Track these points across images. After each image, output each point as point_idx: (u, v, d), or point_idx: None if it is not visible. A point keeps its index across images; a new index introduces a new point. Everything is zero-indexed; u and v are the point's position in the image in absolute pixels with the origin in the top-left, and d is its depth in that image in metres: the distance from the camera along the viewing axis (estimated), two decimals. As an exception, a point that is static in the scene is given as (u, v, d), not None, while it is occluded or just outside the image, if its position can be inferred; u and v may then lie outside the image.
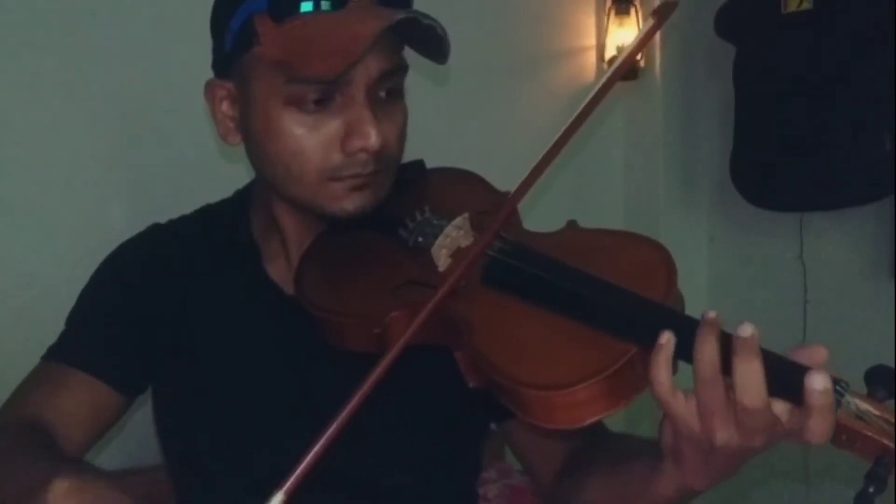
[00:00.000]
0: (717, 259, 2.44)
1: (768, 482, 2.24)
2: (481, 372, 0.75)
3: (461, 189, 0.99)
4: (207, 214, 1.06)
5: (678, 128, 2.37)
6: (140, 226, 1.06)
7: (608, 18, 2.29)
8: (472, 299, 0.79)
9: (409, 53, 0.90)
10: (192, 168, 1.71)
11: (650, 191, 2.38)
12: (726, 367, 0.65)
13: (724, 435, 0.66)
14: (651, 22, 0.86)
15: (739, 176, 2.20)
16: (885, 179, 1.92)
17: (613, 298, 0.72)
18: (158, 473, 1.13)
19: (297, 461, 0.67)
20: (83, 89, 1.66)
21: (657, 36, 2.30)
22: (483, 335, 0.75)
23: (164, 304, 0.98)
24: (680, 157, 2.39)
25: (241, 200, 1.04)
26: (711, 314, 0.67)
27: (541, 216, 1.02)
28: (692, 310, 0.73)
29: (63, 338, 1.00)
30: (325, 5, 0.84)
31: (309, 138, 0.86)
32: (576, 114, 0.81)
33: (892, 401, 0.63)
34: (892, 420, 0.61)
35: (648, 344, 0.68)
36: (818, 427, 0.63)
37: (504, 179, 0.97)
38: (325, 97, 0.85)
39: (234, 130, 0.93)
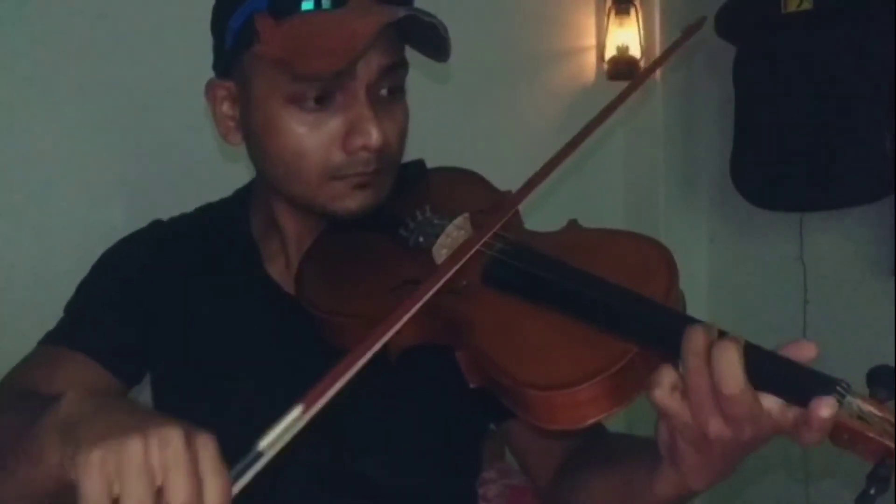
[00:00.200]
0: (717, 259, 2.44)
1: (768, 481, 2.24)
2: (482, 372, 0.75)
3: (462, 189, 0.99)
4: (208, 213, 1.06)
5: (678, 128, 2.37)
6: (139, 226, 1.06)
7: (608, 18, 2.29)
8: (474, 299, 0.79)
9: (410, 53, 0.90)
10: (192, 168, 1.71)
11: (650, 191, 2.38)
12: None
13: (716, 425, 0.66)
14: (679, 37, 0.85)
15: (739, 176, 2.20)
16: (885, 179, 1.92)
17: (615, 298, 0.72)
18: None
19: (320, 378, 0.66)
20: (84, 89, 1.66)
21: (657, 36, 2.30)
22: (484, 335, 0.75)
23: (164, 299, 0.98)
24: (680, 157, 2.39)
25: (241, 199, 1.04)
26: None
27: (541, 216, 1.02)
28: (692, 310, 0.73)
29: (62, 323, 1.00)
30: (325, 3, 0.84)
31: (310, 137, 0.86)
32: (586, 124, 0.81)
33: (894, 401, 0.63)
34: (894, 421, 0.60)
35: (649, 344, 0.68)
36: (813, 438, 0.63)
37: (504, 179, 0.97)
38: (325, 95, 0.85)
39: (234, 130, 0.93)
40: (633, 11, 2.28)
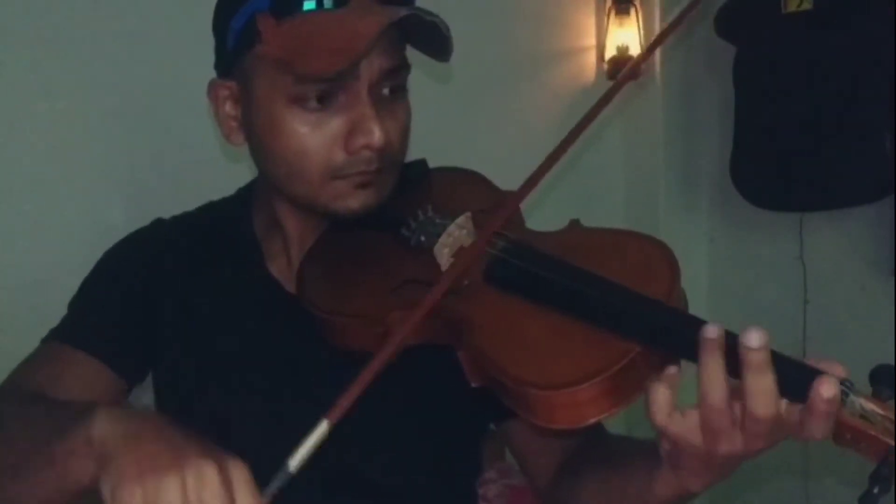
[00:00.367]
0: (717, 259, 2.44)
1: (768, 480, 2.24)
2: (484, 371, 0.75)
3: (464, 188, 0.99)
4: (210, 212, 1.06)
5: (678, 128, 2.37)
6: (140, 225, 1.06)
7: (608, 18, 2.29)
8: (475, 298, 0.79)
9: (410, 53, 0.90)
10: (192, 168, 1.71)
11: (650, 191, 2.38)
12: (731, 369, 0.64)
13: (728, 445, 0.66)
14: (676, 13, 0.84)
15: (739, 176, 2.20)
16: (885, 179, 1.92)
17: (616, 297, 0.72)
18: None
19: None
20: (84, 89, 1.66)
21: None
22: (486, 334, 0.75)
23: (166, 297, 0.98)
24: (680, 157, 2.39)
25: (243, 198, 1.05)
26: (712, 333, 0.64)
27: (541, 215, 1.02)
28: (692, 310, 0.73)
29: (65, 321, 1.00)
30: (327, 3, 0.84)
31: (312, 136, 0.86)
32: (584, 114, 0.81)
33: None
34: (896, 420, 0.60)
35: (651, 343, 0.68)
36: (818, 428, 0.62)
37: (504, 178, 0.97)
38: (327, 95, 0.85)
39: (237, 130, 0.93)
40: (633, 11, 2.28)
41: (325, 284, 0.89)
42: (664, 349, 0.69)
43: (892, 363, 0.64)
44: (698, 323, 0.68)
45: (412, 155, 0.97)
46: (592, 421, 0.69)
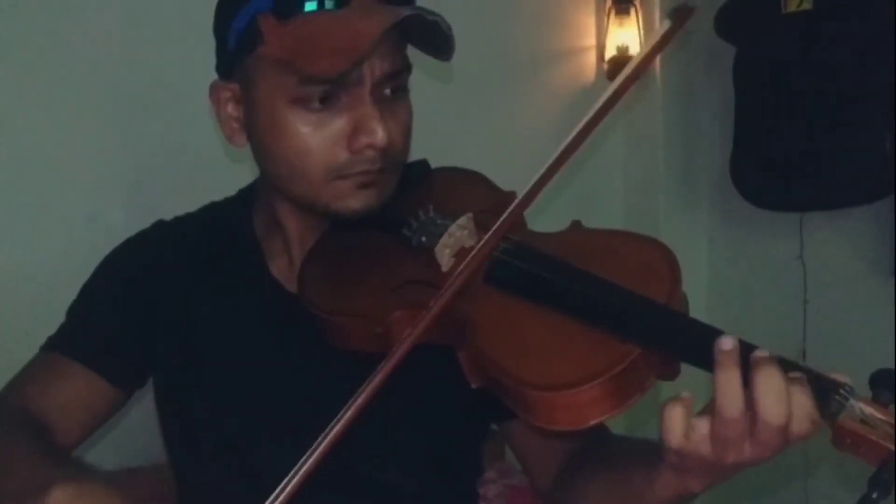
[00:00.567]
0: (717, 259, 2.44)
1: (768, 481, 2.24)
2: (484, 372, 0.75)
3: (465, 189, 0.98)
4: (211, 212, 1.06)
5: (678, 128, 2.37)
6: (140, 225, 1.06)
7: (608, 18, 2.29)
8: (476, 299, 0.79)
9: (411, 52, 0.90)
10: (193, 167, 1.71)
11: (650, 191, 2.38)
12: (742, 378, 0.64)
13: (736, 455, 0.66)
14: (667, 25, 0.84)
15: (739, 176, 2.20)
16: (885, 179, 1.92)
17: (618, 299, 0.72)
18: (158, 473, 1.13)
19: (302, 459, 0.68)
20: (85, 88, 1.66)
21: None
22: (486, 335, 0.75)
23: (167, 300, 0.98)
24: (680, 157, 2.39)
25: (244, 199, 1.05)
26: (728, 344, 0.64)
27: (541, 216, 1.02)
28: (692, 310, 0.73)
29: (63, 329, 1.00)
30: (328, 4, 0.83)
31: (315, 136, 0.85)
32: (584, 121, 0.81)
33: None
34: (896, 424, 0.60)
35: (652, 345, 0.68)
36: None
37: (505, 178, 0.97)
38: (330, 96, 0.84)
39: (239, 131, 0.93)
40: (633, 11, 2.27)
41: (326, 284, 0.89)
42: (665, 351, 0.69)
43: (892, 367, 0.64)
44: (699, 325, 0.68)
45: (413, 155, 0.97)
46: (593, 422, 0.69)
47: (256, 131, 0.90)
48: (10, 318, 1.59)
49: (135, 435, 1.55)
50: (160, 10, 1.70)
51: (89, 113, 1.66)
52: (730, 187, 2.22)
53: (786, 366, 0.65)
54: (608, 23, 2.29)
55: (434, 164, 1.03)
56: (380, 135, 0.84)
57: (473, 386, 0.77)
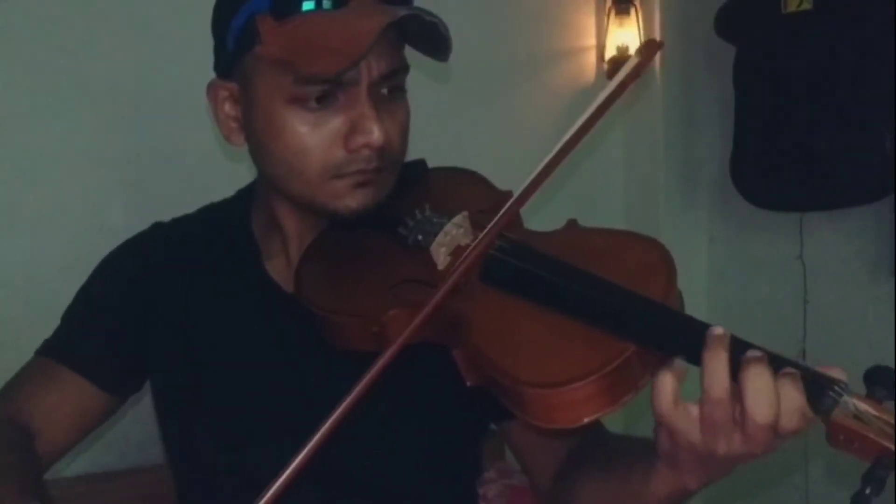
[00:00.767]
0: (717, 259, 2.44)
1: (768, 481, 2.24)
2: (479, 370, 0.75)
3: (462, 188, 0.99)
4: (209, 213, 1.06)
5: (678, 128, 2.37)
6: (139, 225, 1.06)
7: (608, 18, 2.29)
8: (471, 297, 0.79)
9: (409, 52, 0.90)
10: (192, 168, 1.72)
11: (650, 191, 2.38)
12: (732, 372, 0.65)
13: (726, 445, 0.66)
14: (635, 60, 0.84)
15: (739, 176, 2.20)
16: (885, 179, 1.92)
17: (612, 297, 0.72)
18: (158, 473, 1.13)
19: (294, 453, 0.68)
20: (84, 89, 1.66)
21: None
22: (481, 333, 0.75)
23: (164, 303, 0.98)
24: (680, 157, 2.39)
25: (242, 199, 1.05)
26: (719, 330, 0.66)
27: (541, 215, 1.02)
28: (692, 310, 0.73)
29: (57, 334, 1.01)
30: (326, 4, 0.84)
31: (312, 136, 0.86)
32: (575, 127, 0.81)
33: (891, 401, 0.63)
34: (891, 421, 0.60)
35: (647, 343, 0.68)
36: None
37: (504, 179, 0.97)
38: (327, 95, 0.85)
39: (237, 131, 0.93)
40: (633, 11, 2.28)
41: (323, 283, 0.89)
42: (660, 348, 0.69)
43: (887, 364, 0.64)
44: (695, 323, 0.68)
45: (411, 155, 0.98)
46: (588, 420, 0.69)
47: (254, 130, 0.90)
48: (9, 318, 1.59)
49: (135, 435, 1.55)
50: (160, 10, 1.70)
51: (89, 113, 1.67)
52: (730, 187, 2.22)
53: (779, 362, 0.65)
54: (608, 23, 2.29)
55: (435, 165, 1.03)
56: (376, 134, 0.84)
57: (469, 384, 0.77)
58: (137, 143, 1.71)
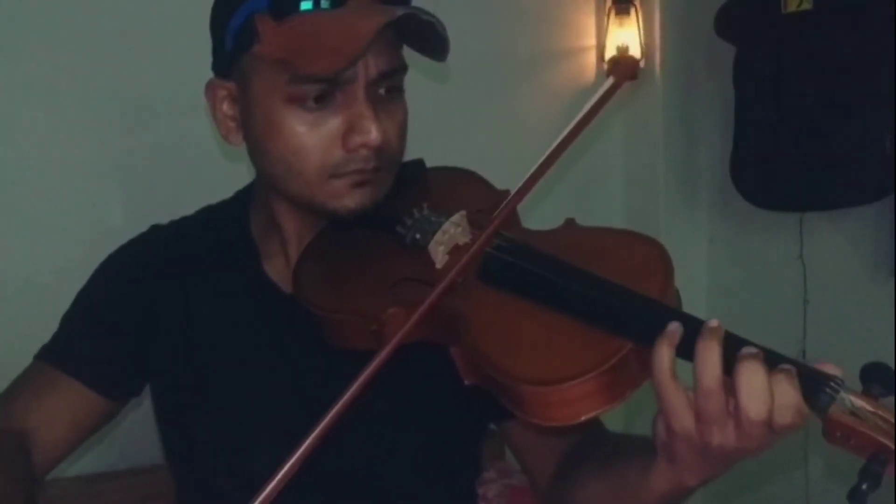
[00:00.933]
0: (717, 259, 2.44)
1: (768, 480, 2.24)
2: (477, 368, 0.75)
3: (460, 187, 0.99)
4: (207, 215, 1.06)
5: (678, 128, 2.37)
6: (139, 225, 1.06)
7: (608, 18, 2.29)
8: (469, 295, 0.79)
9: (408, 52, 0.91)
10: (192, 168, 1.72)
11: (650, 191, 2.38)
12: (726, 367, 0.65)
13: (720, 438, 0.67)
14: (611, 80, 0.85)
15: (739, 176, 2.20)
16: (885, 179, 1.92)
17: (610, 295, 0.72)
18: (158, 473, 1.13)
19: (292, 450, 0.68)
20: (83, 89, 1.66)
21: (657, 35, 2.30)
22: (479, 331, 0.75)
23: (163, 305, 0.98)
24: (680, 157, 2.39)
25: (240, 200, 1.05)
26: (714, 322, 0.67)
27: (540, 215, 1.02)
28: (692, 310, 0.73)
29: (56, 339, 1.01)
30: (324, 3, 0.84)
31: (310, 135, 0.86)
32: (568, 128, 0.82)
33: (888, 398, 0.63)
34: (887, 417, 0.61)
35: (644, 340, 0.68)
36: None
37: (503, 178, 0.97)
38: (325, 95, 0.85)
39: (235, 130, 0.93)
40: (633, 11, 2.28)
41: (321, 282, 0.89)
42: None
43: (882, 361, 0.64)
44: (692, 320, 0.68)
45: (410, 154, 0.98)
46: (586, 417, 0.69)
47: (252, 130, 0.90)
48: (9, 319, 1.60)
49: (135, 435, 1.55)
50: (159, 10, 1.70)
51: (89, 113, 1.67)
52: (730, 187, 2.22)
53: (776, 359, 0.65)
54: (608, 23, 2.29)
55: (433, 165, 1.03)
56: (374, 134, 0.84)
57: (467, 383, 0.78)
58: (138, 143, 1.72)
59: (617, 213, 2.42)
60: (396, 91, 0.90)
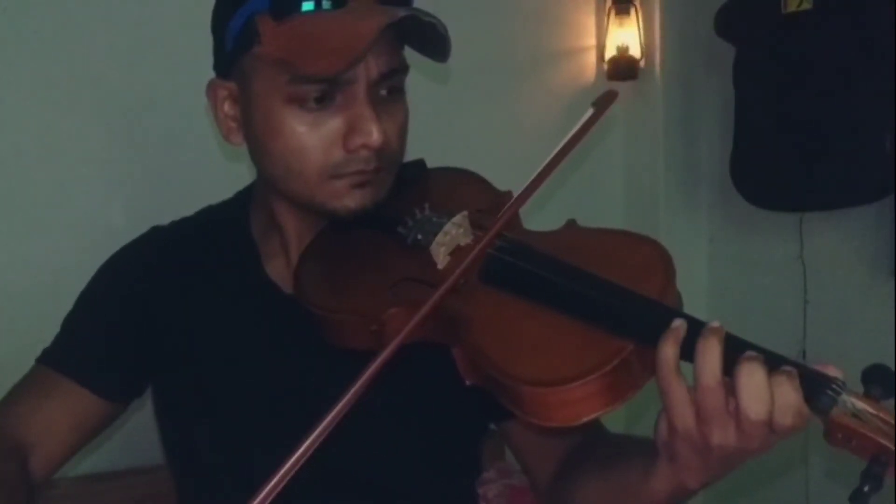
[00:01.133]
0: (717, 259, 2.44)
1: (768, 480, 2.24)
2: (478, 369, 0.75)
3: (461, 188, 0.99)
4: (207, 216, 1.06)
5: (678, 128, 2.37)
6: (140, 226, 1.06)
7: (608, 18, 2.29)
8: (471, 296, 0.79)
9: (409, 53, 0.91)
10: (192, 168, 1.72)
11: (650, 191, 2.38)
12: (727, 368, 0.65)
13: (720, 437, 0.67)
14: (591, 112, 0.85)
15: (739, 176, 2.20)
16: (885, 179, 1.92)
17: (611, 296, 0.72)
18: (158, 473, 1.13)
19: (292, 450, 0.68)
20: (83, 89, 1.66)
21: (657, 35, 2.30)
22: (480, 332, 0.75)
23: (164, 307, 0.99)
24: (680, 157, 2.39)
25: (241, 201, 1.05)
26: (715, 324, 0.67)
27: (541, 216, 1.02)
28: (692, 310, 0.73)
29: (57, 342, 1.01)
30: (325, 4, 0.84)
31: (310, 136, 0.86)
32: (566, 139, 0.82)
33: (889, 400, 0.63)
34: (888, 419, 0.61)
35: (646, 341, 0.68)
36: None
37: (504, 179, 0.97)
38: (326, 95, 0.85)
39: (236, 130, 0.93)
40: (633, 11, 2.28)
41: (322, 282, 0.89)
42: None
43: (883, 363, 0.64)
44: (694, 321, 0.68)
45: (411, 155, 0.98)
46: (587, 418, 0.69)
47: (253, 130, 0.90)
48: (10, 319, 1.60)
49: (135, 435, 1.55)
50: (160, 11, 1.70)
51: (89, 114, 1.67)
52: (730, 187, 2.22)
53: (777, 361, 0.65)
54: (608, 23, 2.29)
55: (434, 165, 1.03)
56: (374, 135, 0.85)
57: (468, 383, 0.78)
58: (138, 143, 1.72)
59: (617, 213, 2.42)
60: (397, 92, 0.90)
